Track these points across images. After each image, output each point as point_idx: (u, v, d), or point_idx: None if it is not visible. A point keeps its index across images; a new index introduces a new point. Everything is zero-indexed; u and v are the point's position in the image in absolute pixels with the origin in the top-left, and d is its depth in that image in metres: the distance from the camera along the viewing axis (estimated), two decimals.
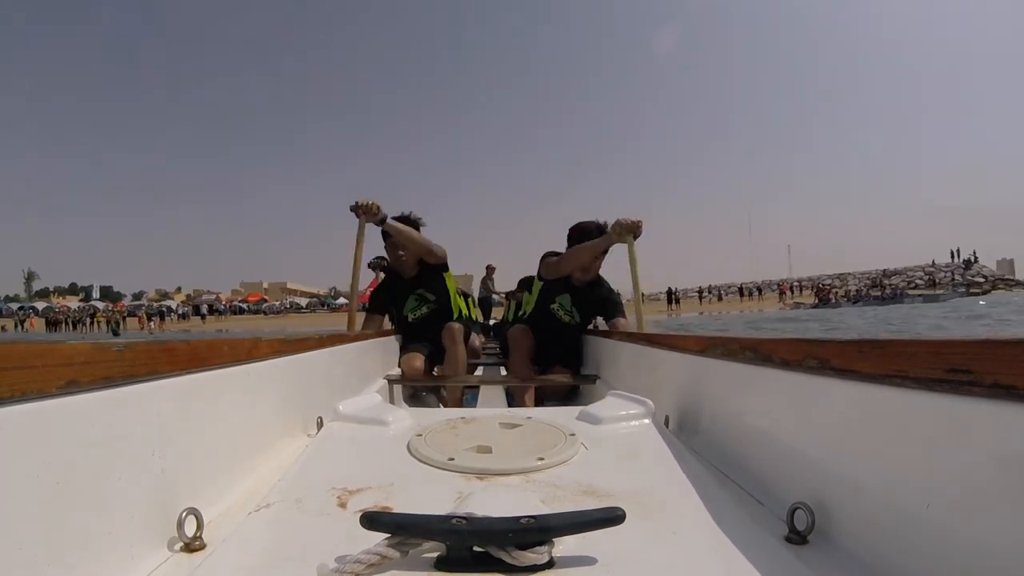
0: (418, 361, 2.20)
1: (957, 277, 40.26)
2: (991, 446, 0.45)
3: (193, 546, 0.61)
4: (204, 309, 43.14)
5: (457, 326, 2.25)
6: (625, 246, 2.13)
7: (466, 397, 2.48)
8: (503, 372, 2.71)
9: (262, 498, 0.66)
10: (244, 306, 49.11)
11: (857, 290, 37.91)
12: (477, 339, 2.55)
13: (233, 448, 0.84)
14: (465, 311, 2.60)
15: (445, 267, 2.42)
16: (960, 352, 0.48)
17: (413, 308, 2.41)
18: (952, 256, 46.10)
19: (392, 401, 1.96)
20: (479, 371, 2.83)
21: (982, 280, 37.86)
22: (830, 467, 0.65)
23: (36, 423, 0.48)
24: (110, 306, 52.85)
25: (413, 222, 2.37)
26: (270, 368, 1.01)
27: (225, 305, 49.00)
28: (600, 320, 2.43)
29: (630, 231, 2.04)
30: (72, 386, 0.52)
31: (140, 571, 0.56)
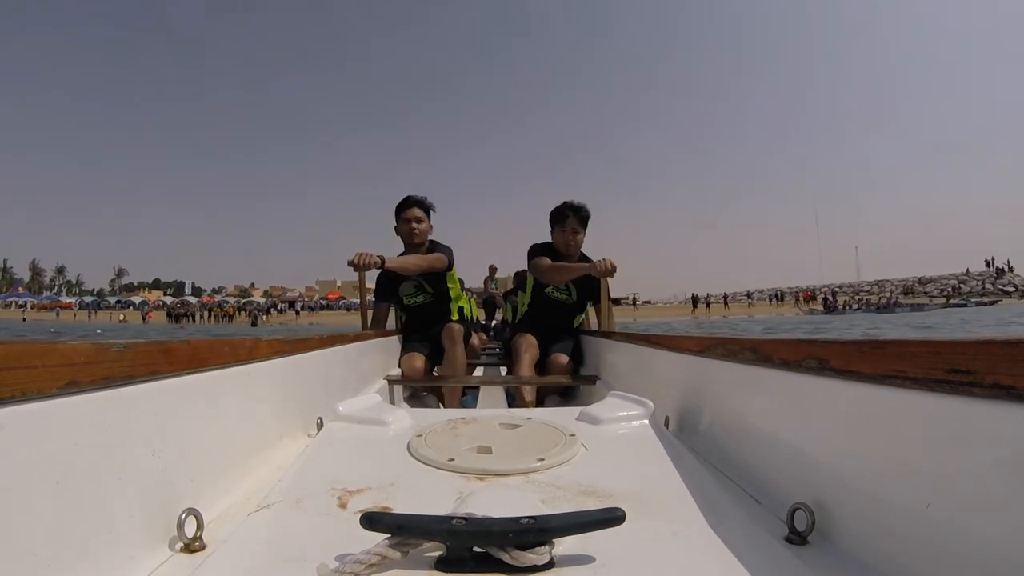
0: (418, 361, 2.20)
1: (988, 286, 40.50)
2: (991, 446, 0.45)
3: (193, 547, 0.61)
4: (298, 306, 47.93)
5: (457, 327, 2.25)
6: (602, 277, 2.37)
7: (466, 397, 2.48)
8: (503, 372, 2.71)
9: (262, 498, 0.66)
10: (324, 302, 52.86)
11: (860, 298, 38.80)
12: (477, 339, 2.56)
13: (233, 448, 0.84)
14: (467, 311, 2.61)
15: (449, 267, 2.44)
16: (960, 352, 0.48)
17: (410, 294, 2.48)
18: (987, 264, 45.94)
19: (392, 401, 1.96)
20: (479, 371, 2.82)
21: (1012, 289, 38.25)
22: (830, 467, 0.65)
23: (36, 423, 0.48)
24: (203, 300, 55.55)
25: (426, 206, 2.46)
26: (270, 368, 1.01)
27: (315, 302, 52.72)
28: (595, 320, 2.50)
29: (610, 272, 2.30)
30: (72, 386, 0.52)
31: (140, 571, 0.56)
